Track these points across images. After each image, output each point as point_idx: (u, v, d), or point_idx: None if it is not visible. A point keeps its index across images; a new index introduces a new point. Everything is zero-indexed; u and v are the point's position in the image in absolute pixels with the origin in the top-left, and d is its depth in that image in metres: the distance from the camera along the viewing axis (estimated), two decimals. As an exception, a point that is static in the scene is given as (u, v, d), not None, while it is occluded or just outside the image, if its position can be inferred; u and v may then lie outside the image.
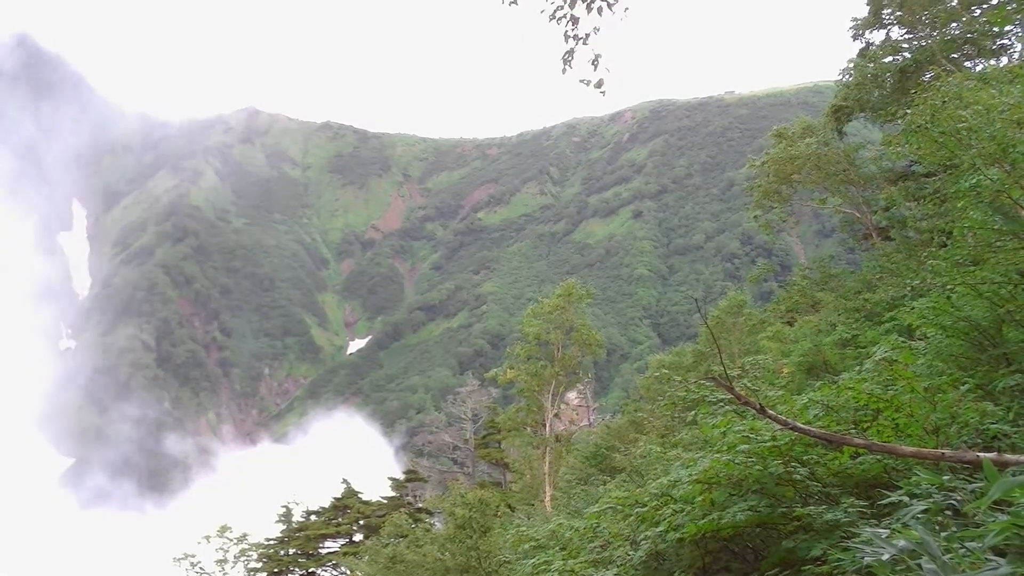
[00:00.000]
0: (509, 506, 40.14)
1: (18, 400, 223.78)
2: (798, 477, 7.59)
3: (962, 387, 8.25)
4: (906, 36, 34.38)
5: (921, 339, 11.75)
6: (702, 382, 13.04)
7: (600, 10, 8.55)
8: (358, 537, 51.30)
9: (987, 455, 5.18)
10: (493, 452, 57.57)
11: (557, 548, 11.53)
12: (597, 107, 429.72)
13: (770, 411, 6.95)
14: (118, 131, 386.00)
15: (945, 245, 18.60)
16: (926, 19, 32.75)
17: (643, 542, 8.60)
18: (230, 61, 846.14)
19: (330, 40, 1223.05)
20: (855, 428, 8.26)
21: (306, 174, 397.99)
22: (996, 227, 12.02)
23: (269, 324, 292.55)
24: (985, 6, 31.31)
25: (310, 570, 50.38)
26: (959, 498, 5.46)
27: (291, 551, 50.46)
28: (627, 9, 8.55)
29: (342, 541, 51.80)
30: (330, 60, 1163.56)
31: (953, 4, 31.84)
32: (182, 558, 44.65)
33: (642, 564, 8.58)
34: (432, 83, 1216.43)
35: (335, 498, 53.93)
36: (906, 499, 5.76)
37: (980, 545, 4.12)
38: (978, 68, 30.06)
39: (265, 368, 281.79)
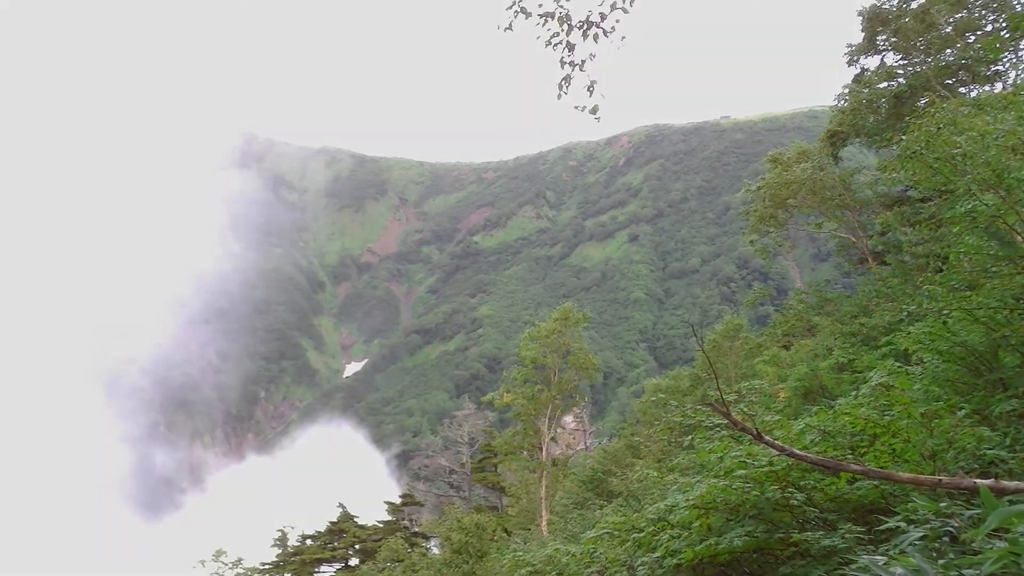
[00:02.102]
0: (505, 530, 40.01)
1: (15, 418, 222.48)
2: (795, 503, 7.57)
3: (959, 412, 8.25)
4: (901, 62, 34.63)
5: (918, 364, 11.75)
6: (699, 407, 13.02)
7: (596, 37, 8.60)
8: (354, 562, 51.03)
9: (984, 482, 5.17)
10: (489, 476, 57.35)
11: (554, 574, 11.46)
12: (593, 131, 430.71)
13: (767, 436, 6.95)
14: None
15: (941, 270, 18.65)
16: (920, 45, 32.99)
17: (640, 568, 8.56)
18: (227, 86, 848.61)
19: (327, 65, 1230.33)
20: (852, 453, 8.24)
21: (303, 198, 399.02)
22: (992, 252, 12.07)
23: (265, 347, 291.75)
24: (979, 33, 31.58)
25: (305, 595, 50.04)
26: (956, 525, 5.45)
27: (286, 575, 50.17)
28: (624, 38, 8.60)
29: (338, 566, 51.51)
30: (327, 85, 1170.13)
31: (947, 31, 32.08)
32: (176, 583, 44.45)
33: (639, 590, 8.54)
34: (429, 107, 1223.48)
35: (331, 522, 53.69)
36: (903, 525, 5.75)
37: (977, 573, 4.11)
38: (973, 94, 30.27)
39: (261, 391, 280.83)
